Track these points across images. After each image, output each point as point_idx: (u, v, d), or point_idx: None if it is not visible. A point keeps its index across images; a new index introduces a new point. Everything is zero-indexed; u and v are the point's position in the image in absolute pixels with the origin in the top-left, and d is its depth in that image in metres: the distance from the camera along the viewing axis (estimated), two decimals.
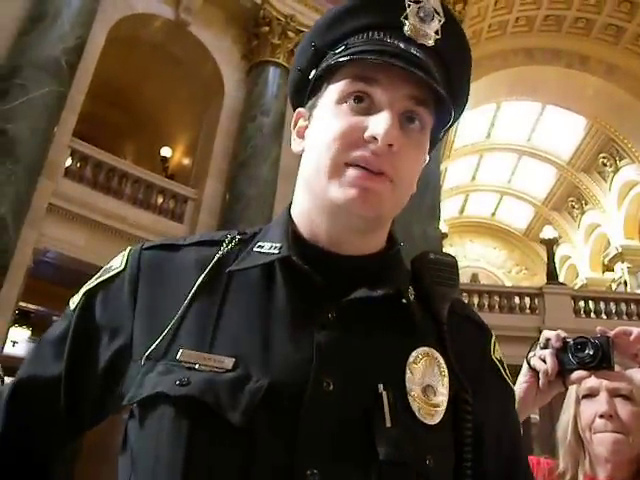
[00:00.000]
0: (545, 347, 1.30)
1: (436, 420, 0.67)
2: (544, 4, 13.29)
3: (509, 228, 20.52)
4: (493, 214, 20.40)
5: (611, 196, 16.25)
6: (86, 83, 7.99)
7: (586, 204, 17.46)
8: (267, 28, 9.64)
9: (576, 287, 15.72)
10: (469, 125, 15.92)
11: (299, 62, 0.79)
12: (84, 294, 0.77)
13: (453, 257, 0.81)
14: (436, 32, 0.71)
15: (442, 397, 0.69)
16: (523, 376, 1.29)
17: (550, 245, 13.61)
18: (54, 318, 9.79)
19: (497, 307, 11.57)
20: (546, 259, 13.75)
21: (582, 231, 18.03)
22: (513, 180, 18.76)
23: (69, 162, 8.18)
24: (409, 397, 0.67)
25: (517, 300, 11.72)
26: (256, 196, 8.31)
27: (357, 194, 0.67)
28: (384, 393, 0.64)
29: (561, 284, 12.72)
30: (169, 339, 0.67)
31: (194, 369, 0.64)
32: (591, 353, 1.23)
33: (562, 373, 1.26)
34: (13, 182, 6.18)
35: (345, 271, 0.71)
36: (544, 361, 1.27)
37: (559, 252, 17.30)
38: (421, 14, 0.71)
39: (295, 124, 0.80)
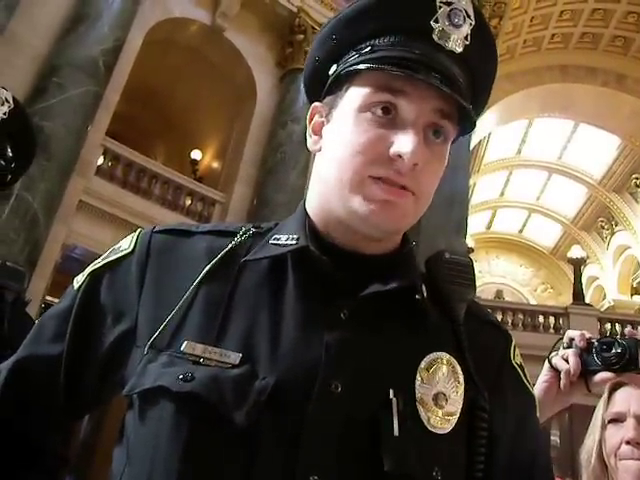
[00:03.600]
0: (569, 347, 1.24)
1: (447, 429, 0.65)
2: (581, 21, 13.15)
3: (536, 246, 20.25)
4: (520, 231, 20.16)
5: None
6: (121, 84, 8.13)
7: (616, 225, 17.15)
8: (302, 36, 9.71)
9: (603, 309, 15.42)
10: (500, 140, 15.80)
11: (318, 53, 0.75)
12: (89, 274, 0.75)
13: (469, 257, 0.79)
14: (465, 37, 0.68)
15: (455, 405, 0.66)
16: (543, 376, 1.24)
17: (578, 265, 13.39)
18: None
19: (521, 325, 11.41)
20: (573, 279, 13.53)
21: (611, 252, 17.70)
22: (542, 197, 18.53)
23: (101, 160, 8.33)
24: (418, 405, 0.64)
25: (541, 319, 11.55)
26: (283, 202, 8.33)
27: (381, 208, 0.66)
28: (394, 400, 0.62)
29: (587, 305, 12.49)
30: (174, 328, 0.65)
31: (199, 363, 0.62)
32: (619, 351, 1.17)
33: (585, 375, 1.20)
34: (46, 178, 6.30)
35: (359, 268, 0.69)
36: (567, 361, 1.21)
37: (586, 272, 17.00)
38: (452, 17, 0.67)
39: (311, 119, 0.77)
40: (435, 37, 0.67)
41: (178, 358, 0.63)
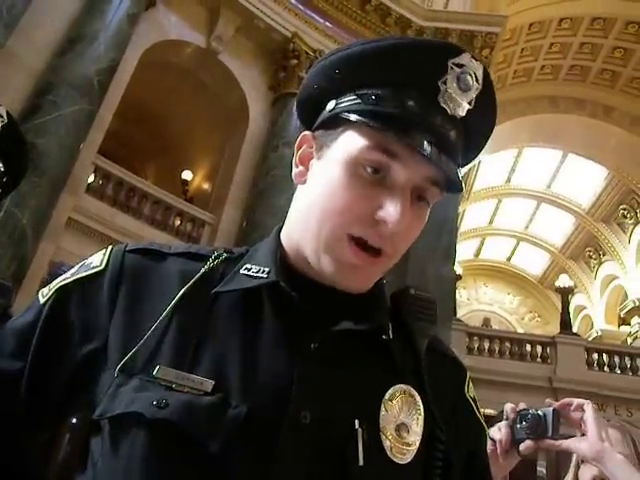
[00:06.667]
0: (507, 418, 1.39)
1: (407, 459, 0.66)
2: (570, 54, 13.44)
3: (524, 274, 20.34)
4: (509, 259, 20.26)
5: (630, 248, 16.08)
6: (115, 103, 8.16)
7: (604, 255, 17.29)
8: (295, 61, 9.82)
9: (590, 338, 15.45)
10: (489, 169, 15.95)
11: (317, 81, 0.73)
12: (57, 289, 0.73)
13: (431, 295, 0.82)
14: (469, 102, 0.67)
15: (415, 436, 0.68)
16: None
17: (565, 294, 13.45)
18: None
19: (508, 353, 11.40)
20: (560, 308, 13.57)
21: (598, 282, 17.81)
22: (531, 226, 18.69)
23: (92, 178, 8.30)
24: (382, 435, 0.66)
25: (529, 348, 11.55)
26: (273, 226, 8.00)
27: (348, 271, 0.67)
28: (359, 430, 0.63)
29: (575, 334, 12.51)
30: (147, 353, 0.65)
31: (172, 389, 0.61)
32: (527, 424, 1.32)
33: (516, 443, 1.34)
34: (36, 194, 6.27)
35: (330, 303, 0.70)
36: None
37: (574, 302, 17.07)
38: (461, 81, 0.66)
39: (299, 147, 0.76)
40: (441, 100, 0.66)
41: (150, 383, 0.63)
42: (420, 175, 0.66)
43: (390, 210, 0.64)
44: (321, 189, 0.69)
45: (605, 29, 12.84)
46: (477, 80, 0.67)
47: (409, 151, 0.64)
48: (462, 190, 0.71)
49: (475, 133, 0.72)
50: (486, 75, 0.68)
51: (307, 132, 0.75)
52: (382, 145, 0.65)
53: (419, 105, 0.65)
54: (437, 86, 0.65)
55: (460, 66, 0.66)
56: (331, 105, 0.71)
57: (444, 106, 0.66)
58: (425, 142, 0.64)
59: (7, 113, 1.51)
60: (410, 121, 0.64)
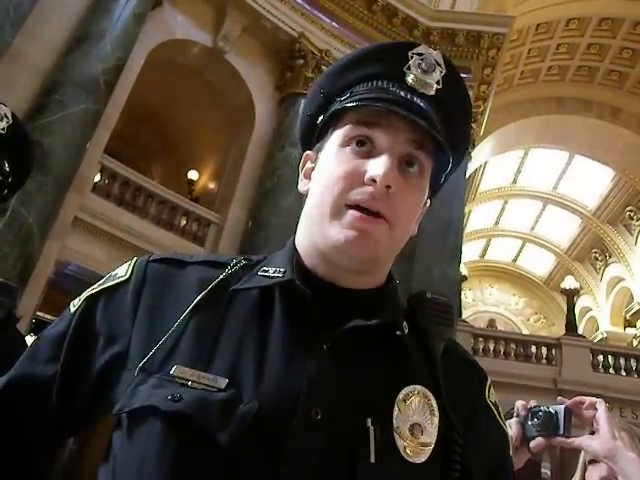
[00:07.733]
0: (518, 415, 1.38)
1: (422, 459, 0.67)
2: (577, 55, 13.38)
3: (530, 275, 20.28)
4: (514, 260, 20.21)
5: (636, 250, 16.01)
6: (121, 102, 8.18)
7: (610, 257, 17.22)
8: (302, 61, 9.83)
9: (595, 340, 15.39)
10: (496, 169, 15.92)
11: (309, 108, 0.83)
12: (86, 299, 0.78)
13: (448, 298, 0.83)
14: (437, 82, 0.76)
15: (430, 437, 0.69)
16: None
17: (571, 295, 13.42)
18: None
19: (513, 355, 11.38)
20: (566, 309, 13.53)
21: (604, 284, 17.73)
22: (537, 227, 18.64)
23: (98, 178, 8.33)
24: (395, 434, 0.67)
25: (534, 349, 11.52)
26: (279, 225, 8.34)
27: (355, 236, 0.69)
28: (371, 428, 0.64)
29: (580, 336, 12.47)
30: (165, 353, 0.68)
31: (187, 386, 0.64)
32: (539, 422, 1.31)
33: (526, 440, 1.33)
34: (43, 193, 6.30)
35: (342, 302, 0.72)
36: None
37: (579, 303, 17.01)
38: (423, 66, 0.76)
39: (303, 166, 0.84)
40: (408, 81, 0.75)
41: (167, 381, 0.66)
42: (402, 139, 0.72)
43: (374, 168, 0.70)
44: (319, 180, 0.76)
45: (613, 30, 12.78)
46: (439, 64, 0.77)
47: (389, 120, 0.72)
48: (449, 159, 0.77)
49: (452, 110, 0.78)
50: (446, 59, 0.78)
51: (308, 151, 0.84)
52: (363, 120, 0.73)
53: (391, 89, 0.74)
54: (403, 71, 0.76)
55: (420, 55, 0.77)
56: (320, 119, 0.80)
57: (412, 85, 0.75)
58: (402, 109, 0.71)
59: (12, 114, 1.52)
60: (385, 98, 0.72)
